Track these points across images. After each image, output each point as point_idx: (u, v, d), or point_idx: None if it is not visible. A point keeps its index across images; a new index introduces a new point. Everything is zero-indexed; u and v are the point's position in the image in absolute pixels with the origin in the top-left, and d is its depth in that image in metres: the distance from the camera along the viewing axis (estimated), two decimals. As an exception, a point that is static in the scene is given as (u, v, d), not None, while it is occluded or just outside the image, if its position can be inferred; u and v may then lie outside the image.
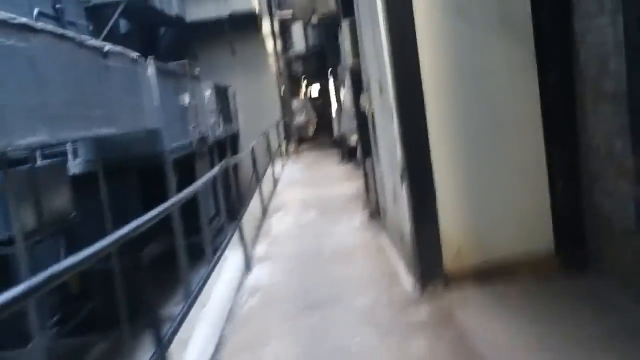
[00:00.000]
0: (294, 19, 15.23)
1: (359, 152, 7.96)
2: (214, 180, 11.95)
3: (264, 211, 7.61)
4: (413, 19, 3.39)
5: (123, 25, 13.09)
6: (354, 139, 10.86)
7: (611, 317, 2.70)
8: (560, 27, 3.31)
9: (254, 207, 7.89)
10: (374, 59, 4.33)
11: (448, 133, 3.50)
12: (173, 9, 13.59)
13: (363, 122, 6.27)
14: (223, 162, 6.25)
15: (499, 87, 3.49)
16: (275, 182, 10.02)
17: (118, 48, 7.44)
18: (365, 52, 5.07)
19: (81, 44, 6.27)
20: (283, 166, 12.51)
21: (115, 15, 10.95)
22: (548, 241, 3.38)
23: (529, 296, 3.07)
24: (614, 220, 2.98)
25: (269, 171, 10.32)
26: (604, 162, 3.14)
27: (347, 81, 10.00)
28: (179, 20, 14.27)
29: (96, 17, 11.26)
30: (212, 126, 13.05)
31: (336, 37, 13.20)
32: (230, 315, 3.80)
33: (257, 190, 7.76)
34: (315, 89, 25.03)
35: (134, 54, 7.87)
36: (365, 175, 6.77)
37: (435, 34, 3.43)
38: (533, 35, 3.42)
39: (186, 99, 9.66)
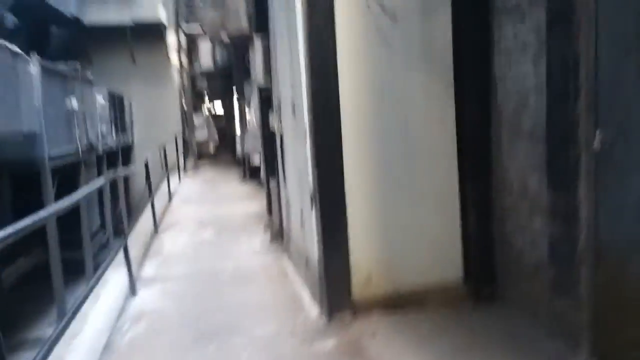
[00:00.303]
0: (201, 34, 14.75)
1: (262, 172, 7.70)
2: (100, 191, 11.05)
3: (156, 228, 7.02)
4: (335, 41, 3.25)
5: (10, 20, 11.78)
6: (257, 158, 10.60)
7: (522, 350, 2.66)
8: (480, 62, 3.34)
9: (144, 223, 7.26)
10: (289, 79, 4.14)
11: (363, 158, 3.37)
12: (69, 8, 12.53)
13: (270, 141, 6.04)
14: (110, 172, 5.65)
15: (416, 116, 3.44)
16: (171, 197, 9.40)
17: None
18: (278, 70, 4.87)
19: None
20: (180, 182, 11.85)
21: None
22: (458, 272, 3.34)
23: (439, 327, 2.97)
24: (526, 255, 2.98)
25: (165, 186, 9.68)
26: (518, 197, 3.16)
27: (255, 100, 9.76)
28: (75, 21, 13.17)
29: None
30: (103, 135, 12.07)
31: (244, 56, 12.98)
32: (108, 345, 3.29)
33: (149, 205, 7.15)
34: (219, 108, 24.49)
35: (15, 48, 7.00)
36: (269, 195, 6.50)
37: (356, 58, 3.32)
38: (452, 68, 3.42)
39: (74, 103, 8.79)
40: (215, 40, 12.38)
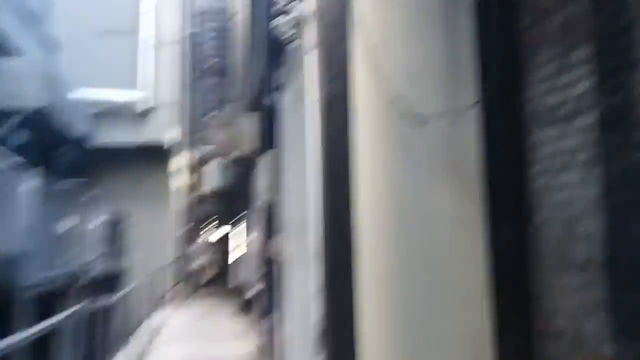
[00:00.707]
0: (207, 156, 14.89)
1: (258, 305, 7.01)
2: (75, 325, 10.17)
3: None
4: (348, 154, 2.88)
5: (19, 136, 11.90)
6: (252, 290, 9.89)
7: None
8: (514, 174, 2.89)
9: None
10: (295, 197, 3.74)
11: (378, 290, 2.80)
12: (78, 130, 12.74)
13: (269, 270, 5.48)
14: (78, 306, 4.99)
15: (440, 241, 2.91)
16: (155, 332, 8.53)
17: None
18: (285, 188, 4.51)
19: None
20: (170, 314, 10.99)
21: (14, 123, 9.85)
22: None
23: None
24: None
25: (155, 317, 8.88)
26: (569, 348, 2.51)
27: (257, 224, 9.35)
28: (84, 142, 13.34)
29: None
30: (93, 261, 11.48)
31: (249, 179, 12.87)
32: None
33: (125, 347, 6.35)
34: (216, 234, 24.11)
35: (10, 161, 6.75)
36: (268, 333, 5.77)
37: (372, 173, 2.91)
38: (482, 181, 2.97)
39: (68, 225, 8.38)
40: (220, 162, 12.34)
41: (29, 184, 7.00)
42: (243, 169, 12.37)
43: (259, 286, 7.27)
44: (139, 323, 7.57)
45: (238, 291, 10.85)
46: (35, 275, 7.16)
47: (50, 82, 10.66)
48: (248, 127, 10.53)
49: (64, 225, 8.36)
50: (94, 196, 14.12)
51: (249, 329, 8.67)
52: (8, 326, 6.88)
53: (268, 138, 5.70)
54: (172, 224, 14.94)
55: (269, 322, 5.46)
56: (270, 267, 5.20)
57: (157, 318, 8.65)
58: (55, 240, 8.16)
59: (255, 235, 9.19)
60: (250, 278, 9.08)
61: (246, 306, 10.34)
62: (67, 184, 8.85)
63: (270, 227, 6.53)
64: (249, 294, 9.81)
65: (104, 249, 11.66)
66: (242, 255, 10.97)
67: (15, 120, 9.77)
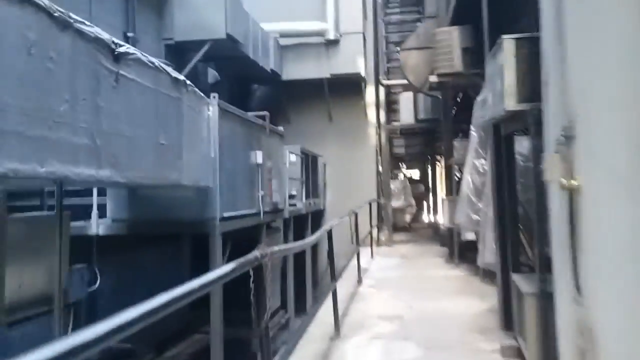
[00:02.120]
0: (401, 88, 13.14)
1: (497, 255, 5.22)
2: (283, 265, 9.57)
3: (337, 330, 4.93)
4: None
5: (212, 75, 11.67)
6: (471, 234, 8.04)
7: None
8: None
9: (323, 317, 5.25)
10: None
11: None
12: (269, 63, 12.07)
13: (542, 202, 3.59)
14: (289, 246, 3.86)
15: None
16: (360, 279, 7.34)
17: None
18: (570, 80, 2.55)
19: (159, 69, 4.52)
20: (372, 258, 9.80)
21: (199, 55, 9.40)
22: None
23: None
24: None
25: (354, 263, 7.70)
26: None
27: (474, 153, 7.40)
28: (274, 77, 12.71)
29: (179, 58, 9.82)
30: (291, 198, 10.84)
31: (456, 105, 10.79)
32: None
33: (332, 295, 5.13)
34: (415, 172, 22.54)
35: (194, 88, 5.92)
36: (508, 301, 3.96)
37: None
38: None
39: (259, 158, 7.54)
40: (418, 90, 10.46)
41: (213, 108, 6.12)
42: (449, 92, 10.36)
43: (497, 230, 5.48)
44: (340, 271, 6.39)
45: (450, 236, 9.11)
46: (229, 210, 6.42)
47: (236, 13, 9.95)
48: (451, 43, 8.44)
49: (255, 158, 7.53)
50: (287, 133, 13.59)
51: (470, 285, 6.95)
52: (204, 262, 6.32)
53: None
54: (370, 160, 13.73)
55: (528, 288, 3.63)
56: (543, 199, 3.31)
57: (360, 264, 7.41)
58: (248, 174, 7.40)
59: (472, 165, 7.25)
60: (468, 220, 7.26)
61: (461, 253, 8.58)
62: (250, 114, 7.99)
63: (510, 147, 4.58)
64: (466, 238, 8.02)
65: (302, 186, 10.99)
66: (453, 193, 9.15)
67: (203, 50, 9.26)
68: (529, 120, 3.47)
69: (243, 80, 13.08)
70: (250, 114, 7.87)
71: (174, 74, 5.06)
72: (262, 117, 8.05)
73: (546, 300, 3.37)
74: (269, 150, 8.08)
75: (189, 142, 5.49)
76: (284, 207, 9.27)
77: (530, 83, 3.48)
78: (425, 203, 19.27)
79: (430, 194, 17.62)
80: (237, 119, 6.98)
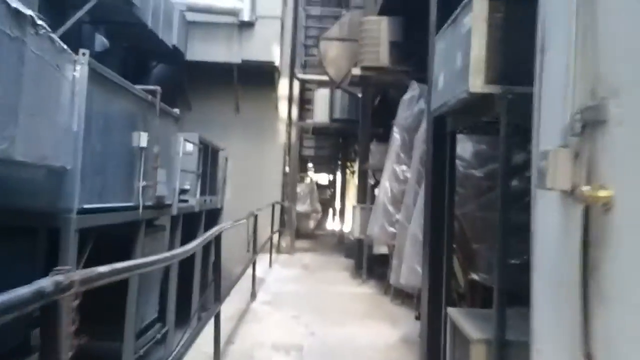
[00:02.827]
0: (319, 84, 12.22)
1: (402, 274, 4.34)
2: (165, 270, 8.15)
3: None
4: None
5: (100, 42, 9.93)
6: (384, 247, 7.22)
7: None
8: None
9: (202, 347, 4.05)
10: None
11: None
12: (171, 38, 10.57)
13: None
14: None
15: None
16: (253, 294, 6.19)
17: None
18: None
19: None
20: (270, 267, 8.69)
21: (82, 12, 7.75)
22: None
23: None
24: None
25: (249, 271, 6.53)
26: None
27: (395, 154, 6.57)
28: (176, 55, 11.19)
29: (59, 15, 8.08)
30: (183, 192, 9.44)
31: (376, 103, 10.02)
32: None
33: (214, 320, 3.94)
34: (323, 177, 21.80)
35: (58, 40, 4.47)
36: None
37: None
38: None
39: (143, 140, 6.14)
40: (336, 85, 9.57)
41: (82, 69, 4.71)
42: (367, 95, 9.58)
43: (427, 246, 4.62)
44: (231, 284, 5.22)
45: (359, 247, 8.25)
46: (95, 201, 5.00)
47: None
48: (378, 35, 7.64)
49: (139, 139, 6.14)
50: (177, 113, 12.13)
51: (380, 306, 6.08)
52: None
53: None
54: (276, 159, 12.63)
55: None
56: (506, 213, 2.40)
57: (255, 275, 6.25)
58: (126, 159, 5.99)
59: (391, 168, 6.43)
60: (382, 232, 6.41)
61: (368, 269, 7.74)
62: (150, 95, 6.61)
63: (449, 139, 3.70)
64: (378, 251, 7.17)
65: (198, 180, 9.63)
66: (362, 201, 8.35)
67: (88, 6, 7.62)
68: (498, 109, 2.56)
69: (139, 55, 11.42)
70: (138, 87, 6.45)
71: (14, 3, 3.61)
72: (152, 93, 6.64)
73: (505, 351, 2.47)
74: (157, 133, 6.68)
75: (34, 104, 4.03)
76: (172, 202, 7.88)
77: (504, 60, 2.58)
78: (331, 209, 18.55)
79: (338, 201, 16.89)
80: (116, 88, 5.56)
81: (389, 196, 6.48)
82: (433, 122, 3.79)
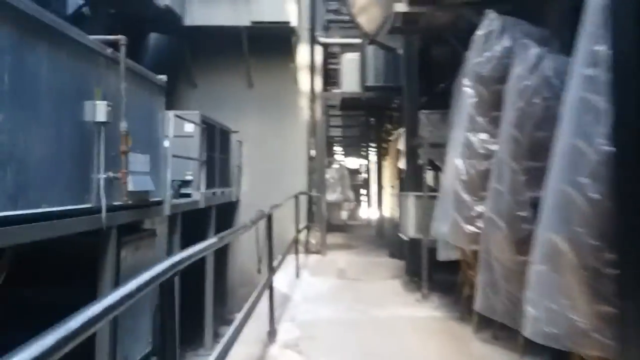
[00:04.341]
0: (343, 48, 10.12)
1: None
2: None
3: None
4: None
5: (72, 3, 8.02)
6: (449, 250, 5.14)
7: None
8: None
9: None
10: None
11: None
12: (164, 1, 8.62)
13: None
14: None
15: None
16: (272, 332, 4.20)
17: None
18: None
19: None
20: (298, 276, 6.72)
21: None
22: None
23: None
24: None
25: (276, 283, 4.54)
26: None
27: (468, 119, 4.48)
28: (172, 20, 9.24)
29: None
30: (184, 185, 7.55)
31: (427, 62, 7.84)
32: None
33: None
34: (353, 162, 19.70)
35: None
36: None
37: None
38: None
39: (100, 113, 4.22)
40: (370, 39, 7.46)
41: None
42: (411, 48, 7.41)
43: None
44: (251, 305, 3.27)
45: (411, 248, 6.21)
46: (14, 204, 3.13)
47: None
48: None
49: (94, 112, 4.21)
50: (193, 98, 10.27)
51: (455, 341, 4.03)
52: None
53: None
54: (299, 141, 10.63)
55: None
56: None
57: (271, 292, 4.22)
58: (79, 142, 4.09)
59: (480, 139, 4.35)
60: (452, 229, 4.35)
61: (429, 279, 5.67)
62: (109, 48, 4.66)
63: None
64: (449, 258, 5.08)
65: (201, 169, 7.72)
66: (415, 189, 6.29)
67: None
68: None
69: (129, 23, 9.48)
70: (93, 37, 4.51)
71: None
72: (113, 46, 4.66)
73: None
74: (128, 104, 4.72)
75: None
76: (163, 198, 5.97)
77: None
78: (365, 196, 16.47)
79: (375, 186, 14.75)
80: (42, 30, 3.61)
81: (464, 180, 4.39)
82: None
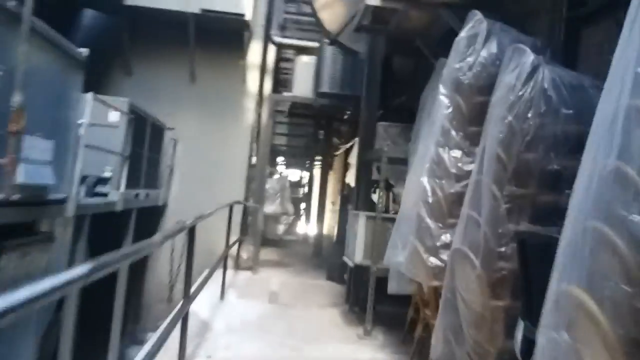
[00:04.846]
0: (302, 50, 9.43)
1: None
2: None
3: None
4: None
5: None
6: (403, 283, 4.48)
7: None
8: None
9: None
10: None
11: None
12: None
13: None
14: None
15: None
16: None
17: None
18: None
19: None
20: (222, 298, 5.84)
21: None
22: None
23: None
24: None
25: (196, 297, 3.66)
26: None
27: (441, 131, 3.86)
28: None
29: None
30: (101, 183, 6.51)
31: (392, 64, 7.23)
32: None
33: None
34: (294, 174, 18.97)
35: None
36: None
37: None
38: None
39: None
40: (332, 39, 6.79)
41: None
42: (375, 53, 6.77)
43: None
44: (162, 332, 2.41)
45: (353, 273, 5.52)
46: None
47: None
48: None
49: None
50: (128, 87, 9.21)
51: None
52: None
53: None
54: (241, 146, 9.77)
55: None
56: None
57: (184, 328, 3.34)
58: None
59: (453, 157, 3.72)
60: (411, 262, 3.68)
61: (374, 311, 4.96)
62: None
63: None
64: (400, 292, 4.42)
65: (124, 164, 6.70)
66: (363, 208, 5.64)
67: None
68: None
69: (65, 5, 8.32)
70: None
71: None
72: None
73: None
74: (28, 74, 3.75)
75: None
76: (67, 195, 4.95)
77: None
78: (304, 211, 15.70)
79: (316, 201, 14.05)
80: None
81: (430, 202, 3.75)
82: None
